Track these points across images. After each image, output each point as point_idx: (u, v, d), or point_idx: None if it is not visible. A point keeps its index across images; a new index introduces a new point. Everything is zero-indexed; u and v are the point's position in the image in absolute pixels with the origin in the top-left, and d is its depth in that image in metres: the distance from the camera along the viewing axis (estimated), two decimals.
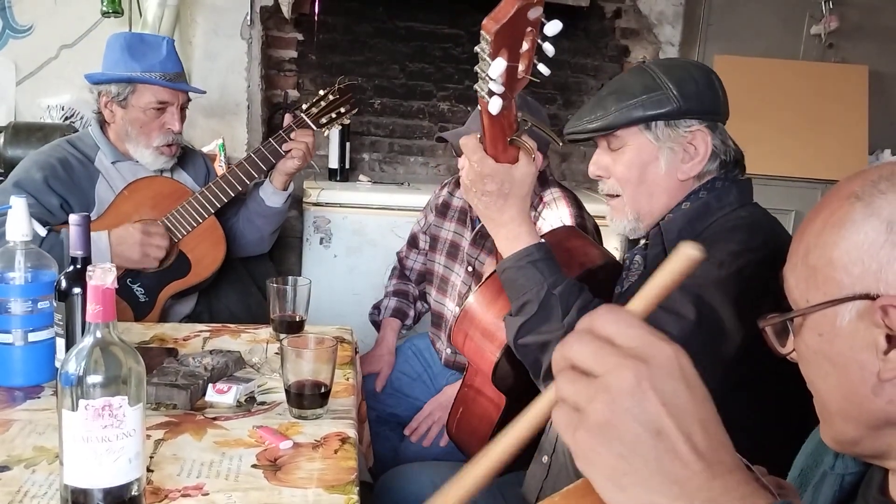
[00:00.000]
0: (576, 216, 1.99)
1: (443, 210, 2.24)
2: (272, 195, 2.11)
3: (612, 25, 3.43)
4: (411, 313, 2.26)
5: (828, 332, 0.64)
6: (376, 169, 3.47)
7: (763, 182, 2.99)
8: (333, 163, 3.14)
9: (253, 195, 2.14)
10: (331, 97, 2.09)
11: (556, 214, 2.01)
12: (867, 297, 0.61)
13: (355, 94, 2.14)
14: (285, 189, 2.13)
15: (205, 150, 2.75)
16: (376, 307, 2.30)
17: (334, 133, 3.11)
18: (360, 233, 2.92)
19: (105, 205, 1.93)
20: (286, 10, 3.00)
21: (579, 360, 0.52)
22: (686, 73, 1.24)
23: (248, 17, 2.94)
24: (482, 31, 0.97)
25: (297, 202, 3.30)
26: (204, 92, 2.15)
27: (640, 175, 1.26)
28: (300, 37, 3.24)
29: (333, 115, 2.10)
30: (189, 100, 2.04)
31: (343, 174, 3.15)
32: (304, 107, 2.10)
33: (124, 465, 0.94)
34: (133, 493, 0.96)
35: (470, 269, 2.09)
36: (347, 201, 2.93)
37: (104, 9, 2.72)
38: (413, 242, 2.33)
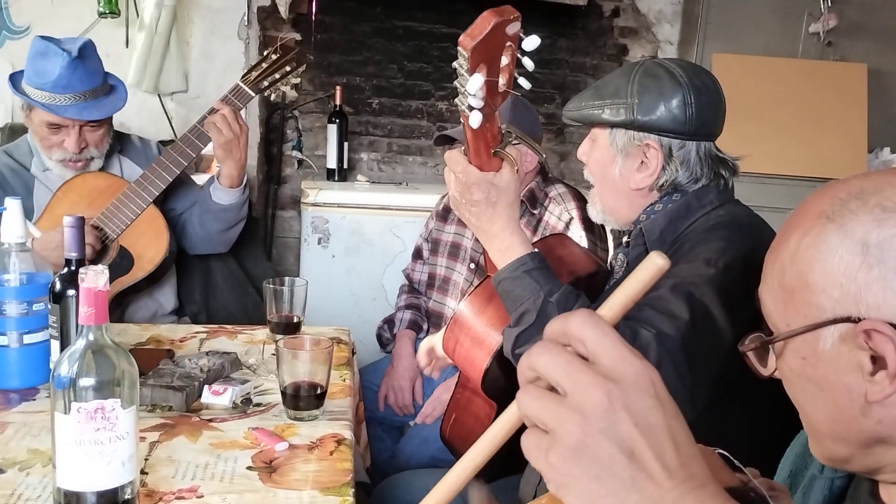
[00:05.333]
0: (582, 209, 2.02)
1: (444, 214, 2.25)
2: (217, 190, 2.01)
3: (610, 24, 3.42)
4: (425, 326, 2.26)
5: (811, 355, 0.63)
6: (375, 169, 3.46)
7: (762, 181, 2.99)
8: (331, 163, 3.14)
9: (204, 190, 2.05)
10: (273, 56, 1.97)
11: (563, 208, 2.03)
12: (848, 320, 0.60)
13: (300, 58, 2.01)
14: (234, 187, 2.00)
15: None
16: (387, 321, 2.28)
17: (332, 133, 3.10)
18: (359, 233, 2.91)
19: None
20: (283, 9, 2.99)
21: (548, 373, 0.51)
22: (657, 87, 1.23)
23: (246, 18, 2.93)
24: (459, 48, 0.98)
25: (294, 202, 3.30)
26: (105, 116, 1.95)
27: (602, 173, 1.31)
28: (298, 37, 3.23)
29: (277, 76, 1.99)
30: (104, 118, 1.92)
31: (341, 174, 3.15)
32: (243, 72, 2.00)
33: (117, 468, 0.94)
34: (126, 497, 0.96)
35: (473, 265, 2.10)
36: (346, 201, 2.92)
37: (101, 9, 2.70)
38: (417, 254, 2.33)
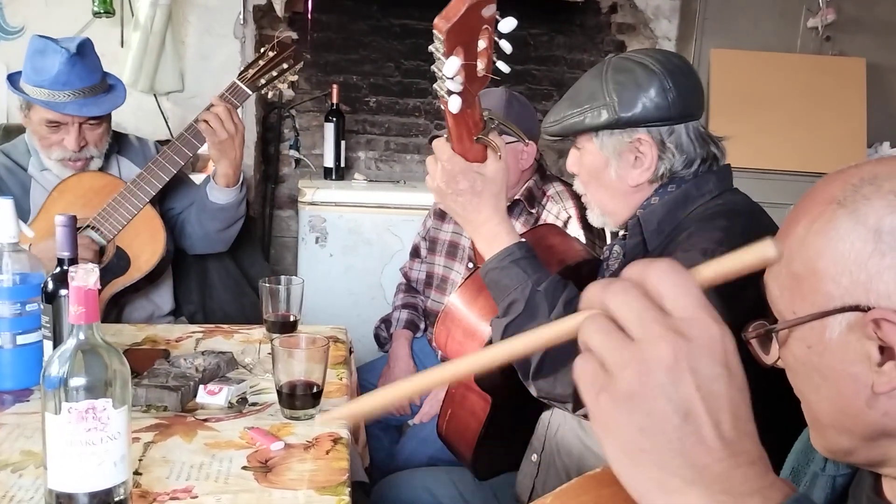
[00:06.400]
0: (580, 208, 2.00)
1: (441, 213, 2.24)
2: (213, 190, 1.98)
3: (607, 20, 3.41)
4: (422, 325, 2.24)
5: (817, 344, 0.62)
6: (372, 167, 3.45)
7: (761, 176, 2.98)
8: (329, 161, 3.13)
9: (200, 189, 2.03)
10: (270, 54, 1.95)
11: (561, 207, 2.02)
12: (857, 308, 0.59)
13: (298, 55, 1.99)
14: (230, 186, 1.97)
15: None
16: (384, 321, 2.27)
17: (329, 132, 3.09)
18: (356, 232, 2.90)
19: None
20: (279, 8, 2.98)
21: (620, 312, 0.48)
22: (632, 80, 1.21)
23: (241, 16, 2.92)
24: (434, 31, 0.97)
25: (292, 202, 3.29)
26: (105, 113, 1.94)
27: (596, 179, 1.29)
28: (294, 35, 3.22)
29: (274, 74, 1.97)
30: (104, 114, 1.91)
31: (339, 173, 3.13)
32: (240, 70, 1.98)
33: (109, 468, 0.92)
34: (119, 497, 0.95)
35: (471, 264, 2.09)
36: (343, 200, 2.92)
37: (95, 9, 2.69)
38: (415, 253, 2.32)
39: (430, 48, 1.00)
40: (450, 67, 0.99)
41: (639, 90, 1.20)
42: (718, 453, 0.47)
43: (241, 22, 2.93)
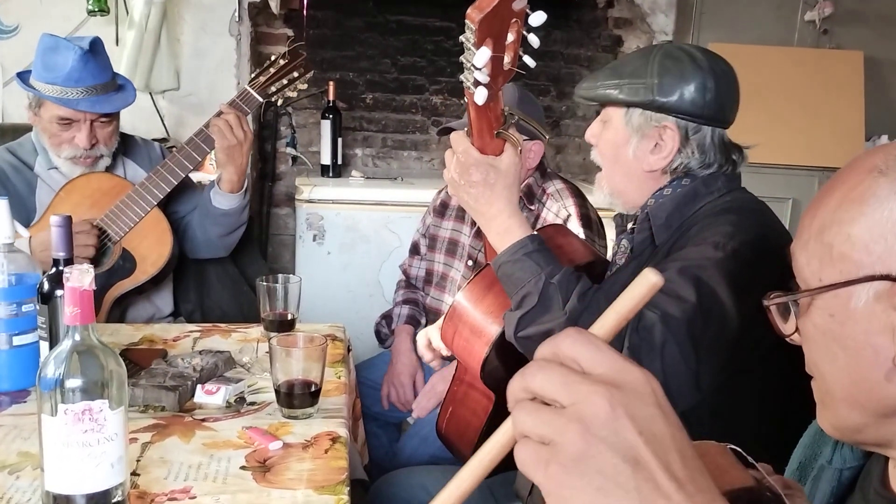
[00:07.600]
0: (580, 206, 1.99)
1: (441, 210, 2.23)
2: (216, 195, 1.98)
3: (604, 15, 3.40)
4: (422, 321, 2.24)
5: (840, 313, 0.61)
6: (369, 164, 3.44)
7: (759, 170, 2.97)
8: (326, 159, 3.12)
9: (204, 194, 2.03)
10: (281, 62, 1.96)
11: (561, 205, 2.01)
12: (887, 277, 0.58)
13: (308, 64, 2.00)
14: (234, 192, 1.96)
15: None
16: (385, 317, 2.26)
17: (326, 129, 3.08)
18: (354, 229, 2.89)
19: None
20: (275, 5, 2.97)
21: (544, 391, 0.48)
22: (678, 69, 1.22)
23: (237, 14, 2.91)
24: (467, 21, 0.98)
25: (289, 199, 3.29)
26: (117, 110, 1.94)
27: (614, 154, 1.30)
28: (290, 32, 3.21)
29: (285, 82, 1.97)
30: (113, 112, 1.91)
31: (336, 170, 3.12)
32: (252, 76, 1.99)
33: (106, 469, 0.92)
34: (117, 499, 0.94)
35: (471, 262, 2.08)
36: (340, 197, 2.91)
37: (90, 7, 2.68)
38: (415, 250, 2.31)
39: (461, 38, 1.00)
40: (480, 58, 0.99)
41: (681, 80, 1.22)
42: (676, 496, 0.46)
43: (237, 19, 2.92)
